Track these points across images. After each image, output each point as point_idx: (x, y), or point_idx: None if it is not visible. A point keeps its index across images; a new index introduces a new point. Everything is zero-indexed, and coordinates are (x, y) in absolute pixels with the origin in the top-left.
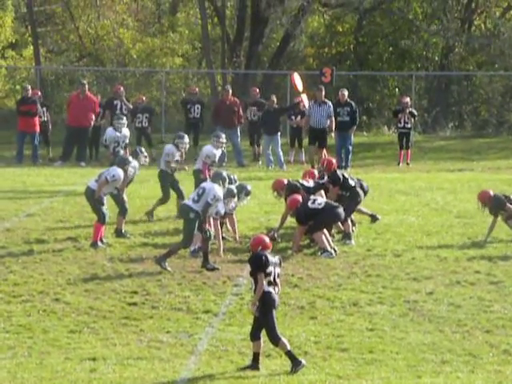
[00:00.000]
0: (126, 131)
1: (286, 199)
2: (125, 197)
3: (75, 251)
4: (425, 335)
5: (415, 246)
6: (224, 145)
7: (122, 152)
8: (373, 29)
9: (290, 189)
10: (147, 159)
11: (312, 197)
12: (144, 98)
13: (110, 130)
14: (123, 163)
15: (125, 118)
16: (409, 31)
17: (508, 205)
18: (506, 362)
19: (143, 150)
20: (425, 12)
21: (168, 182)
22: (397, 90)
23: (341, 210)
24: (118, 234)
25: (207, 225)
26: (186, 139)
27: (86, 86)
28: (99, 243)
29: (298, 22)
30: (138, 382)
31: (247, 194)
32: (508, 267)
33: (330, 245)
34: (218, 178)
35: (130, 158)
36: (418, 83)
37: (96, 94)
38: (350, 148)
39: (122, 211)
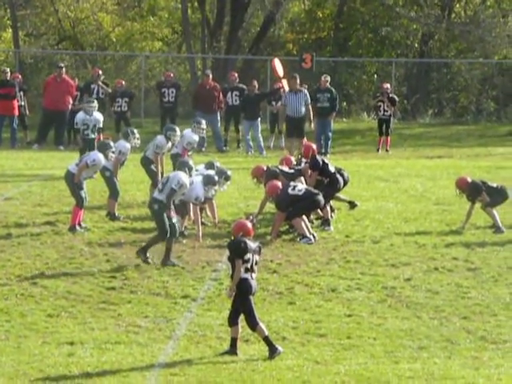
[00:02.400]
0: (97, 115)
1: (265, 185)
2: (116, 180)
3: (53, 235)
4: (402, 321)
5: (394, 232)
6: (204, 131)
7: (91, 136)
8: (353, 15)
9: (270, 175)
10: (138, 141)
11: (292, 183)
12: (123, 82)
13: (80, 113)
14: (104, 148)
15: (96, 101)
16: (389, 18)
17: (484, 193)
18: (482, 348)
19: (135, 131)
20: None
21: (152, 166)
22: (376, 76)
23: (320, 197)
24: (112, 217)
25: (188, 213)
26: (178, 132)
27: (64, 69)
28: (77, 227)
29: (279, 6)
30: (116, 366)
31: (227, 179)
32: (485, 254)
33: (308, 231)
34: (183, 166)
35: (111, 143)
36: (397, 70)
37: (75, 77)
38: (330, 134)
39: (114, 194)
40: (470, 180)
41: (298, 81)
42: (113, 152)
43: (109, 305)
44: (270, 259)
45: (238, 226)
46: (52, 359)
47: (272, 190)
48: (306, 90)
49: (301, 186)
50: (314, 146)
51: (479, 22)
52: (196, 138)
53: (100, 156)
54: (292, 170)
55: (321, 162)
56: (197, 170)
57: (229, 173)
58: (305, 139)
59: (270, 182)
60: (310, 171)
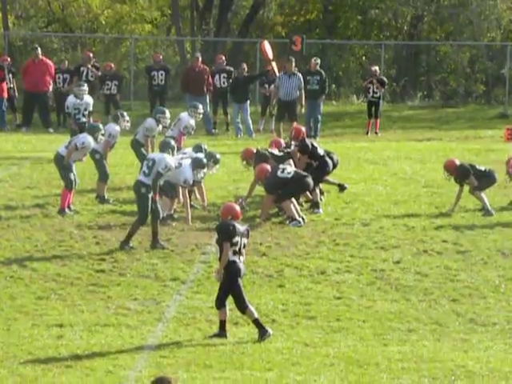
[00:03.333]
0: (87, 98)
1: (255, 168)
2: (106, 163)
3: (43, 218)
4: (392, 304)
5: (383, 215)
6: (201, 115)
7: (83, 120)
8: None
9: (259, 158)
10: (128, 124)
11: (281, 166)
12: (112, 65)
13: (70, 96)
14: (93, 131)
15: (86, 85)
16: (378, 0)
17: (472, 176)
18: (472, 330)
19: (124, 114)
20: None
21: (142, 149)
22: (364, 58)
23: (310, 180)
24: (101, 200)
25: (177, 196)
26: (168, 114)
27: (39, 50)
28: (67, 210)
29: None
30: (105, 349)
31: (216, 162)
32: (475, 236)
33: (298, 213)
34: (167, 147)
35: (100, 126)
36: (386, 52)
37: (64, 60)
38: (319, 117)
39: (103, 177)
40: (458, 163)
41: (294, 64)
42: (102, 134)
43: (98, 287)
44: (259, 242)
45: (226, 208)
46: (41, 341)
47: (261, 173)
48: (299, 74)
49: (290, 168)
50: (304, 129)
51: (468, 5)
52: (193, 122)
53: (89, 138)
54: (281, 153)
55: (310, 146)
56: (185, 153)
57: (218, 156)
58: (295, 122)
59: (259, 165)
60: (299, 154)
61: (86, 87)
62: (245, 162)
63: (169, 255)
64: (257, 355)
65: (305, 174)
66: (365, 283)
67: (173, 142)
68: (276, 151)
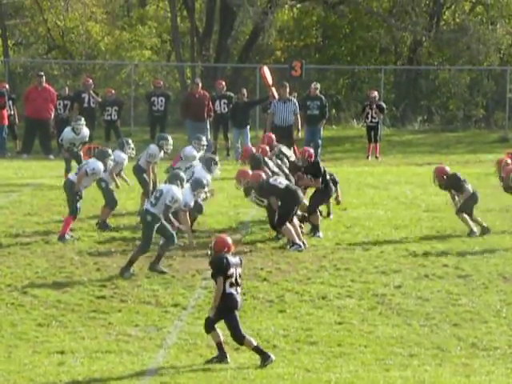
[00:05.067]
0: (85, 131)
1: (251, 167)
2: (115, 190)
3: (43, 244)
4: (393, 328)
5: (384, 239)
6: (205, 147)
7: (75, 150)
8: (341, 22)
9: (254, 161)
10: (134, 151)
11: (275, 176)
12: (113, 91)
13: (67, 130)
14: (103, 156)
15: (83, 118)
16: (377, 25)
17: (462, 184)
18: (473, 355)
19: (130, 141)
20: (392, 6)
21: (144, 175)
22: (364, 83)
23: (300, 193)
24: (102, 226)
25: (175, 223)
26: (171, 140)
27: (44, 78)
28: (67, 236)
29: (267, 14)
30: (106, 375)
31: (216, 163)
32: (476, 261)
33: (299, 237)
34: (175, 179)
35: (110, 151)
36: (386, 77)
37: (65, 86)
38: (320, 142)
39: (110, 204)
40: (449, 171)
41: (288, 90)
42: (112, 160)
43: (99, 314)
44: (260, 267)
45: (218, 242)
46: (42, 368)
47: (255, 177)
48: (295, 99)
49: (283, 180)
50: (312, 151)
51: (467, 30)
52: (195, 153)
53: (99, 164)
54: (277, 169)
55: (322, 170)
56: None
57: (216, 158)
58: (294, 147)
59: (255, 172)
60: (309, 177)
61: (83, 121)
62: (236, 183)
63: (170, 281)
64: (258, 381)
65: (294, 187)
66: (366, 308)
67: (182, 174)
68: (271, 164)
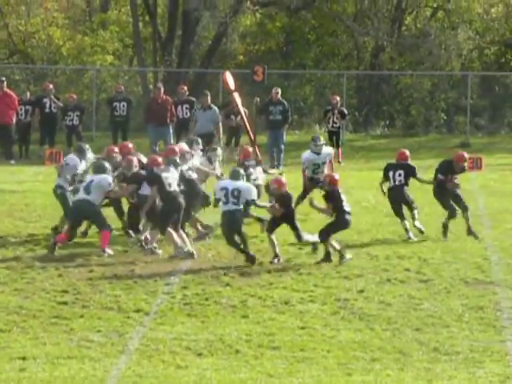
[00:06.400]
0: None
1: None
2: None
3: (4, 250)
4: (355, 333)
5: (346, 244)
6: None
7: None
8: (303, 28)
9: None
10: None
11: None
12: (75, 96)
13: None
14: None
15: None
16: (340, 31)
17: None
18: (435, 359)
19: (87, 146)
20: (355, 11)
21: None
22: (327, 88)
23: (180, 201)
24: (56, 232)
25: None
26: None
27: (5, 83)
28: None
29: (230, 20)
30: (68, 382)
31: (197, 142)
32: (437, 265)
33: (185, 244)
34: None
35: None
36: (348, 82)
37: (26, 91)
38: (283, 147)
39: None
40: (408, 156)
41: (209, 98)
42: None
43: (61, 319)
44: (223, 272)
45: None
46: (4, 374)
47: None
48: (215, 108)
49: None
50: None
51: (428, 35)
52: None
53: (74, 156)
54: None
55: (339, 197)
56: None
57: (198, 139)
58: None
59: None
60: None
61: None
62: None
63: (132, 286)
64: None
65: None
66: (328, 313)
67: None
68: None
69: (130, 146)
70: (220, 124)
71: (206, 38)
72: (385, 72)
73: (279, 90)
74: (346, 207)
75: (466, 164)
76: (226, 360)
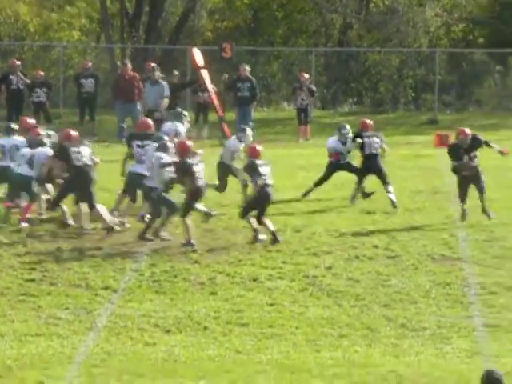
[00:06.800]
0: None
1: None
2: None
3: None
4: (324, 309)
5: (314, 221)
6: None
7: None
8: (271, 4)
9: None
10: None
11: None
12: (42, 73)
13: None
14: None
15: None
16: (308, 8)
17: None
18: (403, 335)
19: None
20: None
21: None
22: (295, 65)
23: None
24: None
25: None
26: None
27: None
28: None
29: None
30: (36, 359)
31: (185, 115)
32: (405, 242)
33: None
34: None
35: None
36: (317, 59)
37: None
38: (251, 124)
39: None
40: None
41: (158, 73)
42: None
43: (28, 297)
44: (191, 249)
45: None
46: None
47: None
48: (163, 83)
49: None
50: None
51: (396, 12)
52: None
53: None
54: None
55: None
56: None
57: (184, 112)
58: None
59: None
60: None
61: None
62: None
63: (100, 264)
64: (189, 363)
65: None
66: (297, 289)
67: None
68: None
69: (31, 121)
70: (164, 99)
71: (173, 14)
72: (353, 49)
73: (247, 67)
74: (268, 180)
75: (471, 135)
76: (195, 337)
